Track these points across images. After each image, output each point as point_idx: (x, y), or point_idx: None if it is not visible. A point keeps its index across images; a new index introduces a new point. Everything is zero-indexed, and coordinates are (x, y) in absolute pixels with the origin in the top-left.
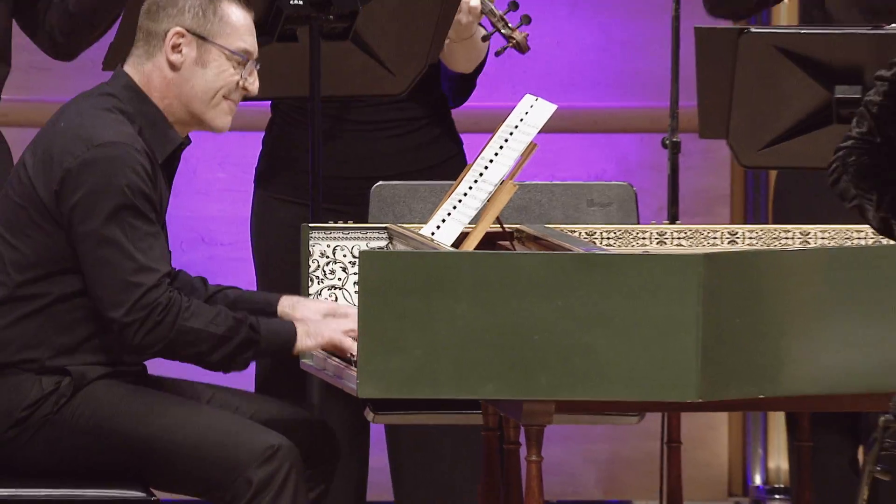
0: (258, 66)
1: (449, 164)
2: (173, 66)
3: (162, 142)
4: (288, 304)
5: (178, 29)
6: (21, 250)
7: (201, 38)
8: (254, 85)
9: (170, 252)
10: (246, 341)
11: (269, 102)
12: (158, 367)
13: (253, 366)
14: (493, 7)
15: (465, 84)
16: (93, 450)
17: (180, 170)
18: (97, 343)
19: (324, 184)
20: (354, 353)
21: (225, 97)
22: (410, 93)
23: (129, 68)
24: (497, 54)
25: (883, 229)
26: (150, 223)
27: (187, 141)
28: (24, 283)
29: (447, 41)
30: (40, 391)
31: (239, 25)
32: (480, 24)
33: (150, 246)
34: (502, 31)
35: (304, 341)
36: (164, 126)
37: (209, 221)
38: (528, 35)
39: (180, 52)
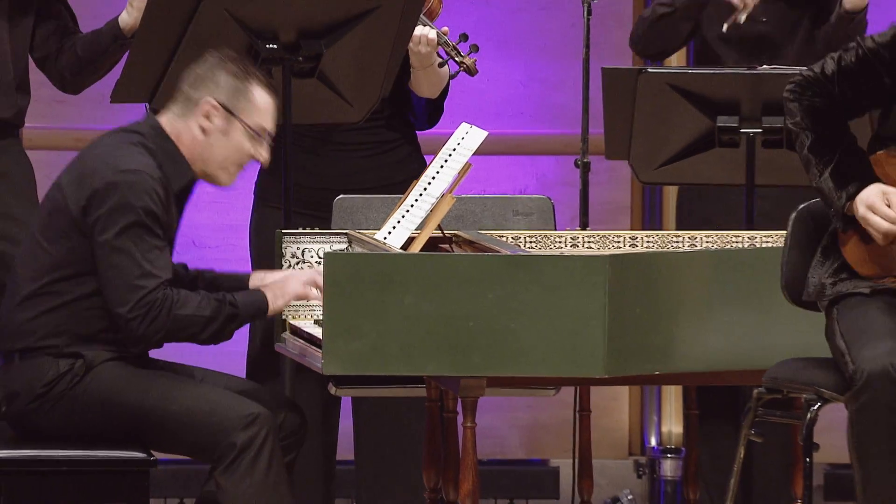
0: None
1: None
2: (204, 131)
3: (178, 175)
4: (257, 278)
5: (213, 101)
6: (52, 254)
7: (230, 112)
8: (263, 156)
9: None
10: (229, 317)
11: None
12: (157, 350)
13: (245, 354)
14: (446, 39)
15: (433, 108)
16: (101, 419)
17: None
18: (109, 336)
19: (308, 194)
20: (318, 299)
21: (237, 164)
22: (384, 119)
23: (163, 119)
24: (451, 77)
25: (804, 162)
26: (158, 239)
27: (196, 178)
28: (51, 281)
29: (413, 70)
30: (57, 371)
31: (263, 107)
32: (438, 54)
33: (156, 257)
34: (455, 58)
35: (275, 303)
36: (181, 162)
37: (199, 229)
38: (476, 60)
39: (210, 120)
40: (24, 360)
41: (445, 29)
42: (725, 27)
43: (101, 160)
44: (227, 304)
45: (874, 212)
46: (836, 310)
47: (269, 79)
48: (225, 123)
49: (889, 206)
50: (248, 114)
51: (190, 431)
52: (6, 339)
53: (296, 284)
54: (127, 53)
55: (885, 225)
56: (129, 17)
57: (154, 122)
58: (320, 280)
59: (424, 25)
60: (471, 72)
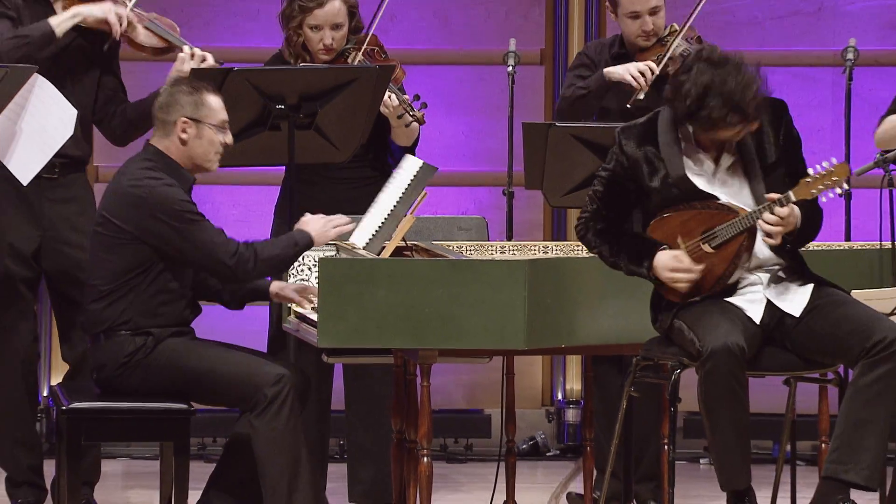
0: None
1: None
2: (183, 142)
3: (182, 180)
4: (302, 223)
5: (183, 118)
6: (113, 261)
7: (197, 120)
8: (228, 138)
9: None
10: (297, 248)
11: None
12: (201, 332)
13: (260, 334)
14: (404, 98)
15: (408, 152)
16: (166, 379)
17: (211, 208)
18: (160, 319)
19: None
20: (306, 303)
21: (216, 153)
22: (367, 160)
23: (155, 142)
24: (406, 125)
25: (612, 265)
26: (200, 214)
27: (195, 179)
28: (118, 280)
29: (392, 127)
30: (134, 346)
31: (216, 106)
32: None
33: (209, 224)
34: (409, 112)
35: (319, 238)
36: (181, 171)
37: None
38: (424, 114)
39: (186, 132)
40: (107, 340)
41: (406, 97)
42: (629, 104)
43: (131, 185)
44: (291, 240)
45: (676, 271)
46: (677, 319)
47: (211, 84)
48: (196, 130)
49: (682, 264)
50: (209, 116)
51: (233, 387)
52: (91, 326)
53: (329, 227)
54: None
55: (687, 279)
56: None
57: (152, 147)
58: (346, 222)
59: (390, 91)
60: (420, 122)
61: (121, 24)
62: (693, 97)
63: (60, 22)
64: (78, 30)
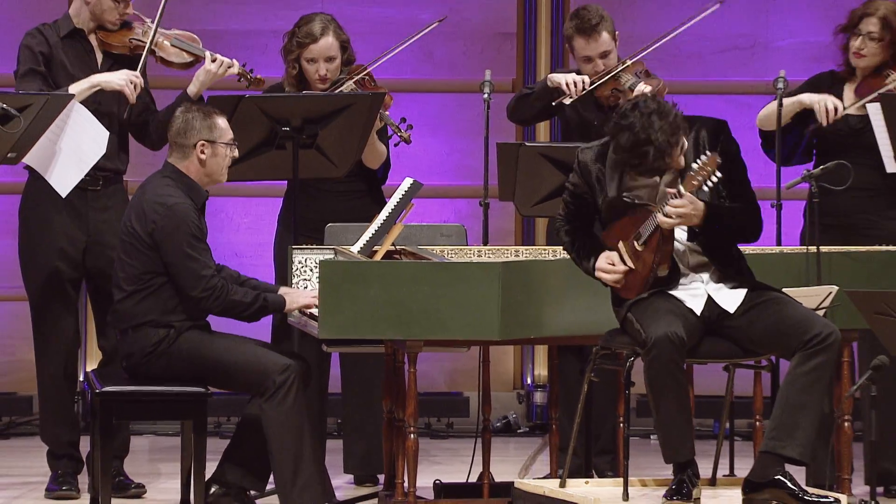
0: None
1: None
2: (202, 162)
3: (197, 196)
4: (283, 290)
5: (202, 141)
6: (136, 266)
7: (211, 142)
8: (235, 153)
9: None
10: (260, 307)
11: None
12: (216, 326)
13: (265, 327)
14: (391, 119)
15: (382, 172)
16: (186, 367)
17: (225, 217)
18: (179, 315)
19: (310, 223)
20: (314, 309)
21: (226, 167)
22: (359, 177)
23: (174, 161)
24: (396, 145)
25: (569, 254)
26: (203, 243)
27: (208, 194)
28: (141, 282)
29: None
30: (158, 337)
31: (226, 127)
32: (387, 132)
33: (206, 256)
34: (397, 133)
35: (290, 305)
36: (196, 188)
37: (239, 245)
38: (411, 134)
39: (203, 153)
40: (134, 333)
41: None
42: (554, 102)
43: (153, 201)
44: (261, 299)
45: (604, 271)
46: (630, 315)
47: (215, 108)
48: (212, 150)
49: (613, 264)
50: (222, 136)
51: (245, 374)
52: (120, 321)
53: (303, 298)
54: None
55: (612, 278)
56: (194, 88)
57: (171, 166)
58: (316, 301)
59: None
60: (406, 141)
61: (135, 90)
62: (627, 148)
63: (80, 91)
64: (111, 56)
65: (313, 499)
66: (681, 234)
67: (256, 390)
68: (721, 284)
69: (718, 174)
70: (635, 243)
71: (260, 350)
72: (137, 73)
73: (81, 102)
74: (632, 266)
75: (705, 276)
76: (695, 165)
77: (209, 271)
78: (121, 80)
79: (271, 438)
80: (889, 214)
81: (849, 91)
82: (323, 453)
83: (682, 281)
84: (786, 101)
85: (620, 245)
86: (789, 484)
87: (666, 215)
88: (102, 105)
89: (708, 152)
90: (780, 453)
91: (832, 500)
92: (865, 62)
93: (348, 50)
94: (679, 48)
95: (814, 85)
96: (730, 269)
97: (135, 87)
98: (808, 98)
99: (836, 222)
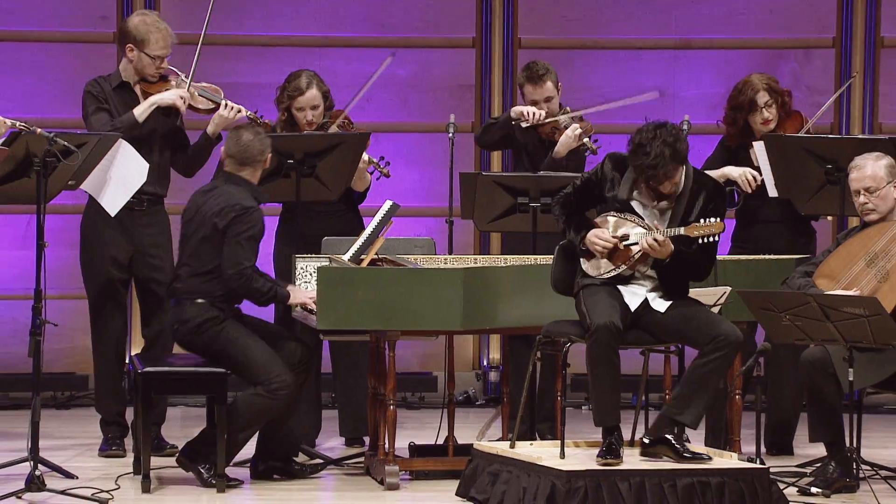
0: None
1: (355, 232)
2: (264, 172)
3: (259, 197)
4: (289, 287)
5: (267, 155)
6: (208, 251)
7: (269, 155)
8: (273, 162)
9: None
10: (272, 297)
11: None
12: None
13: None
14: (371, 157)
15: (362, 196)
16: (214, 350)
17: None
18: (227, 303)
19: (305, 237)
20: (312, 305)
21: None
22: (342, 200)
23: (247, 175)
24: (377, 179)
25: (562, 229)
26: (256, 243)
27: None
28: (207, 265)
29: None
30: (210, 315)
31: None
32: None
33: (252, 251)
34: (378, 169)
35: (293, 300)
36: (257, 189)
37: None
38: (388, 170)
39: (266, 164)
40: (191, 305)
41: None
42: (513, 122)
43: (231, 200)
44: (273, 290)
45: (596, 237)
46: (582, 293)
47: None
48: (266, 162)
49: (603, 234)
50: (268, 153)
51: (253, 371)
52: (180, 292)
53: (303, 296)
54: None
55: (602, 244)
56: (212, 129)
57: (243, 180)
58: (313, 299)
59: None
60: (386, 176)
61: (184, 103)
62: (647, 159)
63: (142, 112)
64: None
65: (223, 459)
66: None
67: (255, 383)
68: (657, 290)
69: (717, 238)
70: (618, 241)
71: (273, 358)
72: (185, 90)
73: (146, 119)
74: (619, 247)
75: (647, 282)
76: (703, 221)
77: (248, 262)
78: (172, 96)
79: (241, 408)
80: (798, 241)
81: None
82: (319, 420)
83: (630, 280)
84: (713, 173)
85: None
86: (674, 443)
87: (648, 244)
88: (153, 139)
89: (715, 218)
90: (675, 419)
91: (706, 456)
92: (771, 126)
93: (329, 98)
94: (605, 98)
95: (726, 147)
96: (673, 291)
97: (183, 101)
98: (731, 172)
99: (754, 247)
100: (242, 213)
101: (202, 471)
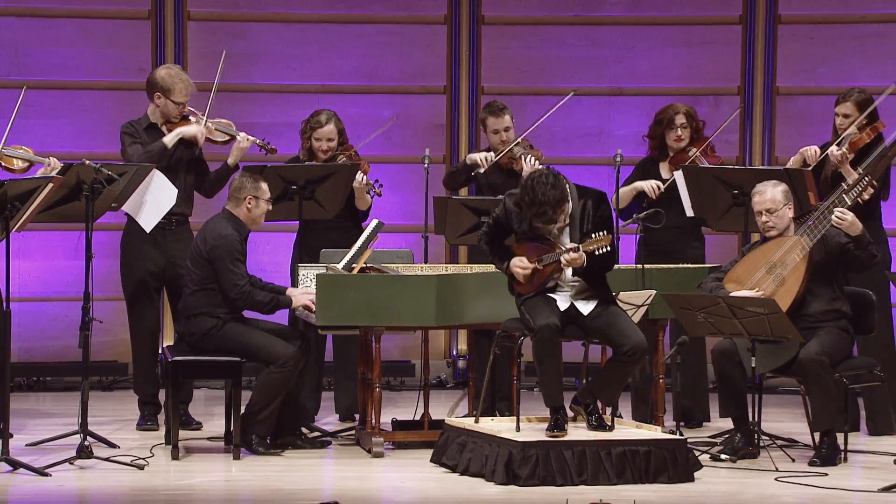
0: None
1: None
2: (248, 210)
3: (243, 230)
4: (289, 291)
5: (249, 197)
6: (200, 273)
7: (256, 197)
8: (270, 206)
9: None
10: (274, 306)
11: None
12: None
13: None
14: (368, 180)
15: (365, 213)
16: (226, 345)
17: (256, 246)
18: (224, 309)
19: (311, 249)
20: (312, 306)
21: (265, 213)
22: (348, 218)
23: (230, 208)
24: (372, 198)
25: (490, 257)
26: (241, 262)
27: (249, 231)
28: (200, 285)
29: (356, 198)
30: (210, 324)
31: (266, 189)
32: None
33: (242, 270)
34: (373, 190)
35: (295, 303)
36: (243, 225)
37: (262, 263)
38: (381, 192)
39: (250, 204)
40: (195, 319)
41: (371, 181)
42: (473, 173)
43: (213, 232)
44: (274, 299)
45: (517, 267)
46: (523, 306)
47: (260, 175)
48: (256, 203)
49: (523, 263)
50: (263, 194)
51: (262, 353)
52: (185, 310)
53: (304, 299)
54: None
55: (523, 273)
56: (232, 159)
57: (228, 211)
58: (313, 300)
59: (363, 175)
60: (379, 195)
61: (202, 136)
62: (529, 205)
63: (170, 139)
64: (180, 140)
65: (263, 430)
66: (568, 270)
67: (267, 363)
68: (581, 294)
69: (609, 248)
70: (537, 264)
71: (272, 339)
72: (202, 126)
73: (173, 148)
74: (538, 268)
75: (570, 289)
76: (594, 235)
77: (242, 281)
78: (194, 130)
79: (260, 387)
80: (692, 245)
81: (663, 167)
82: (319, 400)
83: (556, 289)
84: (626, 188)
85: (527, 258)
86: (589, 413)
87: (568, 259)
88: (179, 168)
89: (602, 232)
90: (595, 395)
91: (608, 426)
92: (681, 144)
93: (343, 135)
94: (553, 135)
95: (641, 167)
96: (594, 288)
97: (202, 135)
98: (640, 184)
99: (657, 249)
100: (219, 240)
101: (252, 440)
